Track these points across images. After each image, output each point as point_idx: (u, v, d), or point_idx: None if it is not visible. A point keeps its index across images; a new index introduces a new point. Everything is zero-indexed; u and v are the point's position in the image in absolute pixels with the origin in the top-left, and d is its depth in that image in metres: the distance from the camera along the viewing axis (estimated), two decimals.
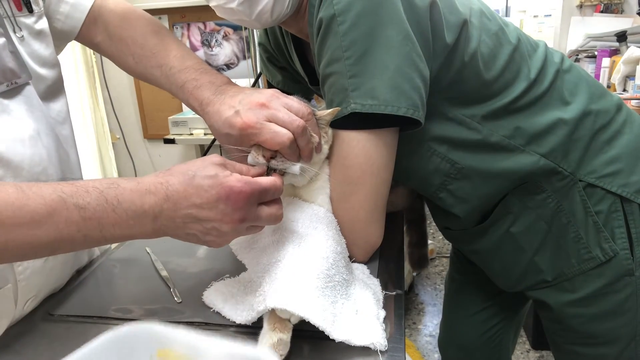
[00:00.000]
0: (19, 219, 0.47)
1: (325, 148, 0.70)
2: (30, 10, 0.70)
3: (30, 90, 0.67)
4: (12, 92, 0.64)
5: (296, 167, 0.65)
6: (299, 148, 0.64)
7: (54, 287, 0.75)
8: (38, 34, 0.71)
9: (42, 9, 0.73)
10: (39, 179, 0.65)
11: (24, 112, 0.65)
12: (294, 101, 0.66)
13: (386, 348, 0.57)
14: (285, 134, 0.61)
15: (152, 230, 0.54)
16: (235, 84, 0.72)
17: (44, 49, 0.72)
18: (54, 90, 0.75)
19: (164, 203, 0.53)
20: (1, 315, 0.65)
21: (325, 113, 0.67)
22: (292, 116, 0.63)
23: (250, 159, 0.64)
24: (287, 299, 0.56)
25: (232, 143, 0.66)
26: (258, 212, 0.57)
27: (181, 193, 0.54)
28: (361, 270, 0.72)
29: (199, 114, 0.72)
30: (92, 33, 0.80)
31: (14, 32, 0.67)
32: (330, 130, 0.70)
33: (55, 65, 0.75)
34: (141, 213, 0.52)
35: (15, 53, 0.65)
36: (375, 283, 0.70)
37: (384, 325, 0.61)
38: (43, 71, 0.71)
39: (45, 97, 0.72)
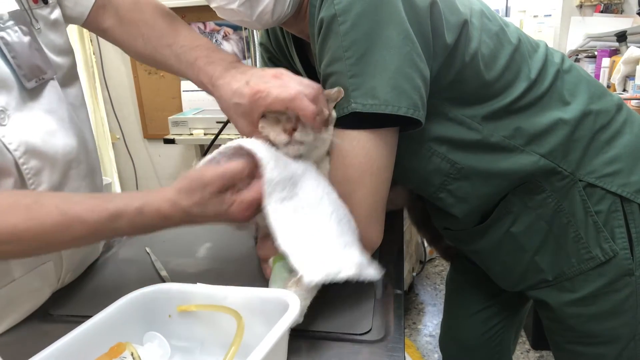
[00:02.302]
0: (64, 240, 0.58)
1: (330, 128, 0.69)
2: (45, 2, 0.72)
3: (54, 84, 0.70)
4: (40, 87, 0.68)
5: (311, 137, 0.66)
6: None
7: (89, 261, 0.85)
8: (53, 24, 0.73)
9: None
10: (71, 167, 0.71)
11: (53, 105, 0.69)
12: (305, 78, 0.66)
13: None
14: (294, 87, 0.61)
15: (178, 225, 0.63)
16: (245, 64, 0.73)
17: (58, 38, 0.74)
18: (69, 76, 0.77)
19: (180, 221, 0.62)
20: (44, 286, 0.74)
21: (332, 91, 0.66)
22: (305, 81, 0.64)
23: (273, 135, 0.65)
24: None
25: (240, 114, 0.66)
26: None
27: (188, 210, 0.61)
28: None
29: (207, 90, 0.72)
30: (100, 19, 0.81)
31: (32, 25, 0.69)
32: (334, 112, 0.69)
33: (69, 52, 0.77)
34: (164, 226, 0.62)
35: (40, 50, 0.68)
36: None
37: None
38: (59, 59, 0.74)
39: (63, 84, 0.75)
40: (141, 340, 0.56)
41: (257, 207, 0.62)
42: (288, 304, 0.50)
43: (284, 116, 0.65)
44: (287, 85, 0.63)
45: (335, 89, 0.66)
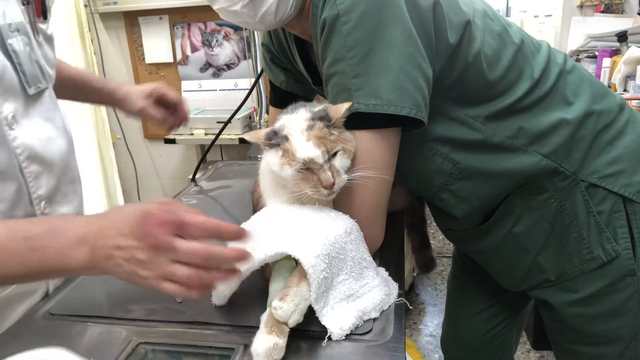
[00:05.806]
0: None
1: (351, 152, 0.67)
2: (45, 17, 0.75)
3: (50, 93, 0.74)
4: (38, 95, 0.71)
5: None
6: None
7: None
8: (49, 39, 0.77)
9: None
10: (64, 172, 0.74)
11: (50, 113, 0.73)
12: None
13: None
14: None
15: (88, 261, 0.54)
16: None
17: (51, 51, 0.78)
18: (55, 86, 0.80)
19: (97, 231, 0.54)
20: (38, 286, 0.74)
21: (340, 114, 0.65)
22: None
23: (312, 192, 0.64)
24: (288, 245, 0.60)
25: None
26: (174, 242, 0.52)
27: (110, 222, 0.55)
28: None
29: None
30: None
31: (35, 37, 0.71)
32: (347, 133, 0.67)
33: (55, 65, 0.80)
34: (79, 240, 0.54)
35: (37, 61, 0.71)
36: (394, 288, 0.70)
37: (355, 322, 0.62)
38: (51, 72, 0.77)
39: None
40: None
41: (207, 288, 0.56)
42: None
43: (315, 165, 0.63)
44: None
45: (343, 109, 0.65)
